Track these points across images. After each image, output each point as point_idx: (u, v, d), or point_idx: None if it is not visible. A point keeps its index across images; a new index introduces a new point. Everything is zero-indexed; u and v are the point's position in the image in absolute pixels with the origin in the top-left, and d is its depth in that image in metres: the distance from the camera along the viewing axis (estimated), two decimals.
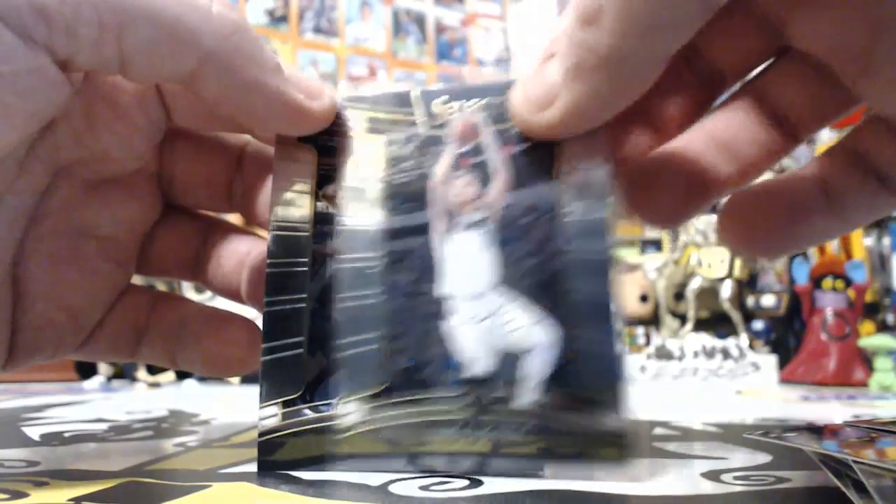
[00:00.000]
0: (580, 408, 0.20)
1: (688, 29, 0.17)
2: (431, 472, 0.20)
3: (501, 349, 0.21)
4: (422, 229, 0.22)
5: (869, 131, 0.19)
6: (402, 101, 0.23)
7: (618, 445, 0.19)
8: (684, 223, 0.23)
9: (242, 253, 0.25)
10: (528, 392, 0.20)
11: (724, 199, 0.22)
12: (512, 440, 0.20)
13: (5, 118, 0.17)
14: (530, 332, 0.20)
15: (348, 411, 0.21)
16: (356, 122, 0.23)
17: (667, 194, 0.21)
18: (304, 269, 0.22)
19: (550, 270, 0.20)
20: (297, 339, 0.22)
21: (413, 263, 0.22)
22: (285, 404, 0.21)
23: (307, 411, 0.21)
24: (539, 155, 0.21)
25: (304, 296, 0.22)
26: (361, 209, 0.22)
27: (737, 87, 0.21)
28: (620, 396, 0.19)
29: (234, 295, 0.25)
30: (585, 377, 0.20)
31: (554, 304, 0.20)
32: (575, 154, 0.21)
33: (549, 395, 0.20)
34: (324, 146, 0.23)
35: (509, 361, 0.20)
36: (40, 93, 0.18)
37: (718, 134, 0.21)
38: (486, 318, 0.21)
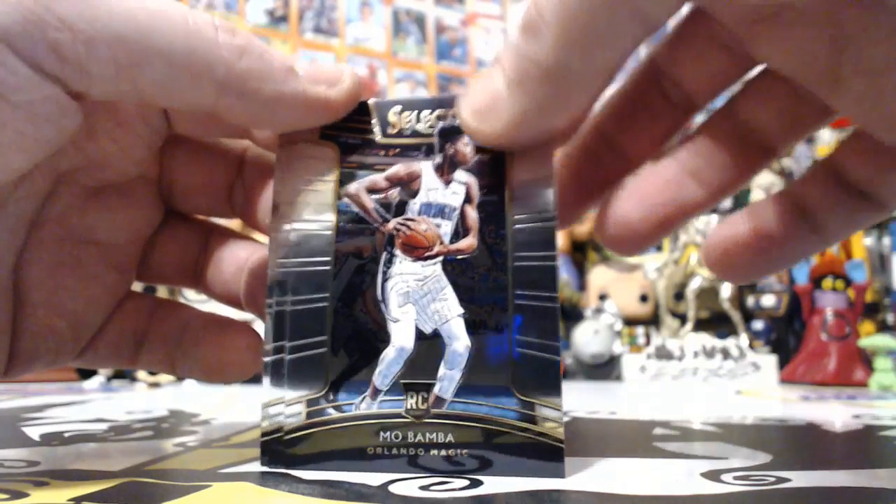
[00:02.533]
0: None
1: (627, 44, 0.17)
2: (433, 472, 0.21)
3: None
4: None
5: (849, 148, 0.19)
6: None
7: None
8: (649, 249, 0.23)
9: (242, 258, 0.25)
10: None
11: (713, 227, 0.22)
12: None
13: (20, 145, 0.18)
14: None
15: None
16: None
17: (635, 224, 0.21)
18: (326, 267, 0.22)
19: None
20: (320, 339, 0.22)
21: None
22: (309, 403, 0.21)
23: (331, 410, 0.21)
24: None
25: (327, 295, 0.22)
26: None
27: (707, 110, 0.22)
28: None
29: (233, 301, 0.25)
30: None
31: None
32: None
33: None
34: (345, 144, 0.23)
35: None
36: (53, 121, 0.18)
37: (690, 162, 0.21)
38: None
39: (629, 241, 0.21)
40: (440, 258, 0.22)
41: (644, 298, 1.00)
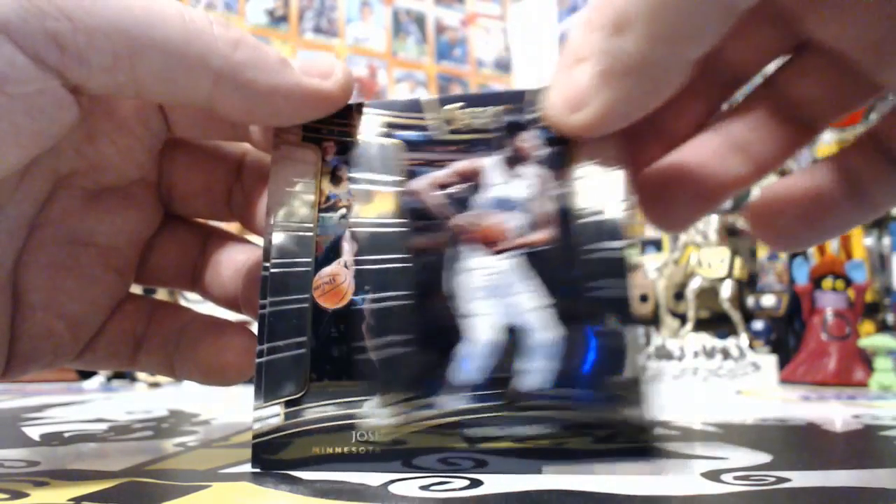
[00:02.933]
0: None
1: (714, 34, 0.17)
2: (429, 471, 0.20)
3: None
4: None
5: (892, 121, 0.20)
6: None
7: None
8: (694, 224, 0.23)
9: (240, 261, 0.25)
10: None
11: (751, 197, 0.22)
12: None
13: (15, 138, 0.18)
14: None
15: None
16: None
17: (680, 200, 0.21)
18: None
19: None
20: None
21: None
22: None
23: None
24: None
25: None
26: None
27: (750, 85, 0.22)
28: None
29: (231, 304, 0.25)
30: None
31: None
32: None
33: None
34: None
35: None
36: (50, 114, 0.18)
37: (734, 136, 0.21)
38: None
39: (673, 217, 0.22)
40: (515, 251, 0.22)
41: (644, 298, 1.00)
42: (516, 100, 0.23)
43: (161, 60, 0.18)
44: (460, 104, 0.23)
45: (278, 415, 0.21)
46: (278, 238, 0.22)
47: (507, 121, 0.23)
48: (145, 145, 0.23)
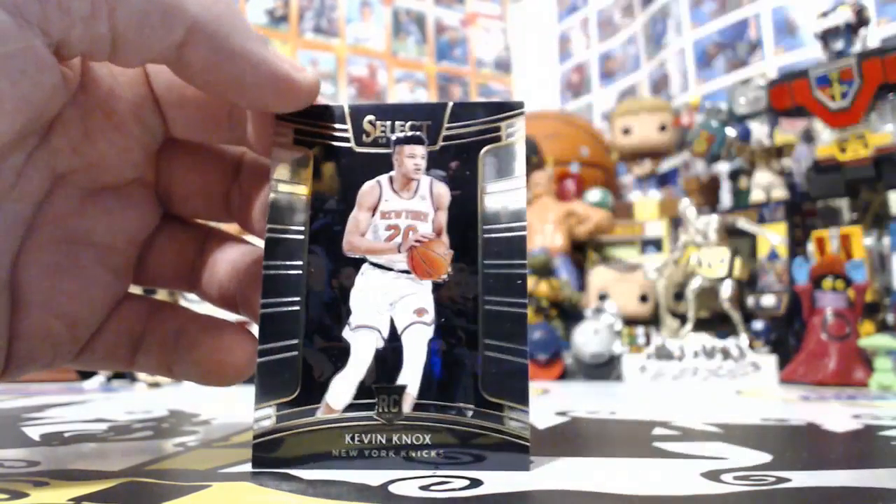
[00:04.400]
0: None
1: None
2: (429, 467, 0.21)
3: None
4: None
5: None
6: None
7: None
8: None
9: (237, 261, 0.25)
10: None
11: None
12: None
13: None
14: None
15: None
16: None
17: None
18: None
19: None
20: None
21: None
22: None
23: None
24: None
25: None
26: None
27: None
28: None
29: (229, 304, 0.25)
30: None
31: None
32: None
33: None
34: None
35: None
36: (32, 77, 0.18)
37: None
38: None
39: None
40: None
41: (644, 298, 1.00)
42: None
43: (140, 3, 0.18)
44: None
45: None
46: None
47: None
48: (143, 144, 0.23)
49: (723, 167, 1.13)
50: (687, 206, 0.94)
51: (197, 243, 0.26)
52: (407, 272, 0.22)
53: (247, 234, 0.26)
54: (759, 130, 0.97)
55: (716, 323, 0.90)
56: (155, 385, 0.78)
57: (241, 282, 0.24)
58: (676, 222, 1.07)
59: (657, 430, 0.33)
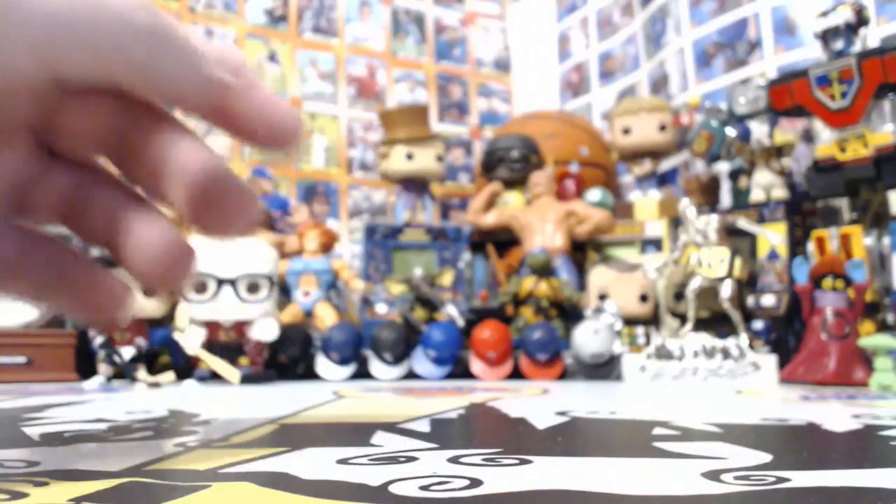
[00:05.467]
0: None
1: None
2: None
3: None
4: None
5: None
6: None
7: None
8: None
9: (117, 207, 0.23)
10: None
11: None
12: None
13: None
14: None
15: None
16: None
17: None
18: None
19: None
20: None
21: None
22: None
23: None
24: None
25: None
26: None
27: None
28: None
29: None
30: None
31: None
32: None
33: None
34: None
35: None
36: None
37: None
38: None
39: None
40: None
41: (644, 298, 1.00)
42: None
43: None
44: None
45: None
46: None
47: None
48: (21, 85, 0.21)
49: (723, 167, 1.13)
50: (687, 206, 0.94)
51: (79, 182, 0.24)
52: None
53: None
54: (758, 130, 0.97)
55: (716, 323, 0.90)
56: (155, 385, 0.78)
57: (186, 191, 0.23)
58: (676, 222, 1.06)
59: (657, 430, 0.33)
